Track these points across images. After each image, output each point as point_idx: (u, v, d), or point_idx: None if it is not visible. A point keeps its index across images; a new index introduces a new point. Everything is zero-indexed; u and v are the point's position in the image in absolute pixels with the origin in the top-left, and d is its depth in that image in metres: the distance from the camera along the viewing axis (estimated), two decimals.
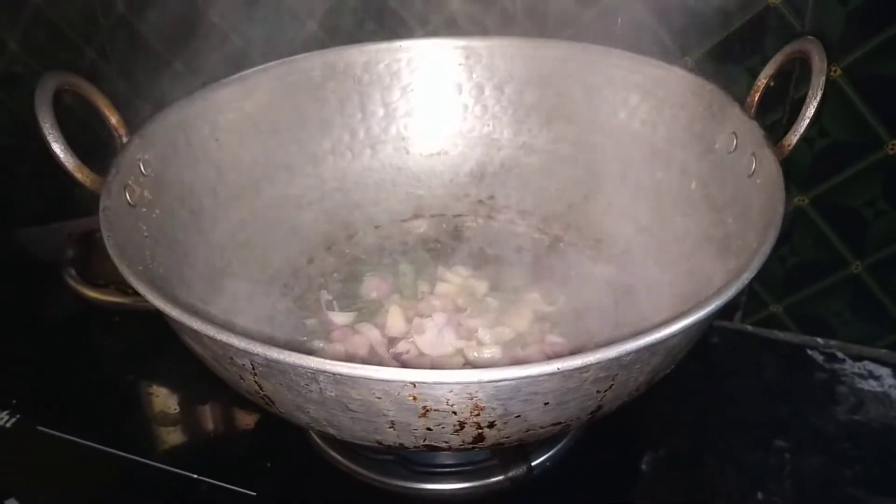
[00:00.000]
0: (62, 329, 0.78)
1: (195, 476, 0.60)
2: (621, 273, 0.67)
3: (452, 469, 0.59)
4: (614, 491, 0.60)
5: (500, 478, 0.57)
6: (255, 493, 0.59)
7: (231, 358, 0.43)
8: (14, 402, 0.67)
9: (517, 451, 0.56)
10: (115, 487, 0.60)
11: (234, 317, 0.59)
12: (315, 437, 0.62)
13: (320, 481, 0.60)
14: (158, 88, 0.92)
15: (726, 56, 0.67)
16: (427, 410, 0.40)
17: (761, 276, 0.45)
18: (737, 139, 0.58)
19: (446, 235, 0.74)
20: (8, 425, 0.65)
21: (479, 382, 0.38)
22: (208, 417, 0.67)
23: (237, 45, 0.85)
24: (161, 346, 0.73)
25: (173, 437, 0.64)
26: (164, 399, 0.68)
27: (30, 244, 0.80)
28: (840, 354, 0.70)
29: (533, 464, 0.58)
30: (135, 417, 0.67)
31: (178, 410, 0.67)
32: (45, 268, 0.81)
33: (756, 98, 0.59)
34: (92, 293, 0.78)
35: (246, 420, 0.66)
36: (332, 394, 0.41)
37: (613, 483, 0.60)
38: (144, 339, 0.75)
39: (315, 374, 0.39)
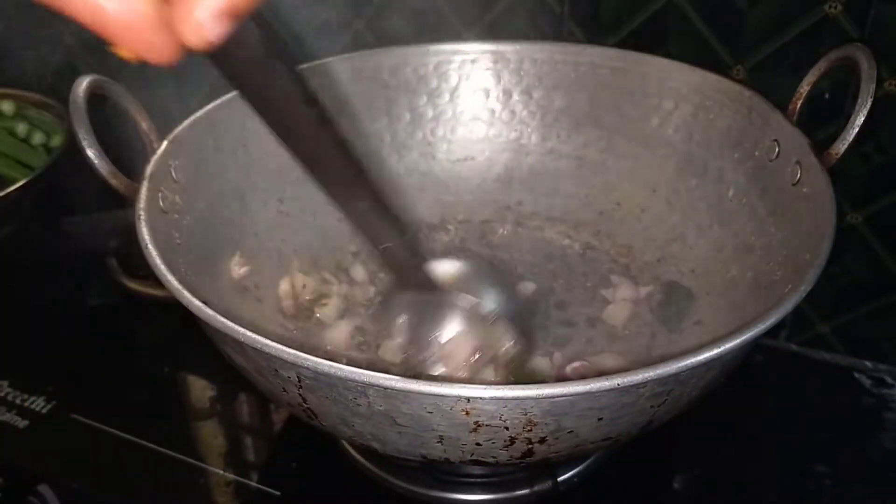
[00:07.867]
0: (102, 318, 0.78)
1: (221, 472, 0.60)
2: (655, 281, 0.66)
3: (477, 479, 0.57)
4: None
5: (526, 491, 0.56)
6: (279, 493, 0.58)
7: (276, 370, 0.42)
8: (50, 388, 0.67)
9: (544, 464, 0.55)
10: (142, 478, 0.60)
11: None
12: (343, 441, 0.61)
13: (344, 484, 0.59)
14: (197, 87, 0.90)
15: (779, 67, 0.65)
16: (479, 426, 0.39)
17: (809, 293, 0.43)
18: (779, 147, 0.57)
19: (474, 242, 0.73)
20: (44, 411, 0.65)
21: (537, 398, 0.37)
22: (238, 414, 0.66)
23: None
24: (196, 339, 0.73)
25: (202, 431, 0.64)
26: (195, 393, 0.68)
27: (74, 233, 0.80)
28: (889, 379, 0.67)
29: (560, 479, 0.56)
30: (166, 410, 0.66)
31: (208, 405, 0.66)
32: (88, 257, 0.82)
33: (798, 105, 0.58)
34: (132, 284, 0.78)
35: (275, 418, 0.65)
36: (381, 408, 0.40)
37: (644, 502, 0.59)
38: (180, 331, 0.74)
39: (365, 387, 0.38)
